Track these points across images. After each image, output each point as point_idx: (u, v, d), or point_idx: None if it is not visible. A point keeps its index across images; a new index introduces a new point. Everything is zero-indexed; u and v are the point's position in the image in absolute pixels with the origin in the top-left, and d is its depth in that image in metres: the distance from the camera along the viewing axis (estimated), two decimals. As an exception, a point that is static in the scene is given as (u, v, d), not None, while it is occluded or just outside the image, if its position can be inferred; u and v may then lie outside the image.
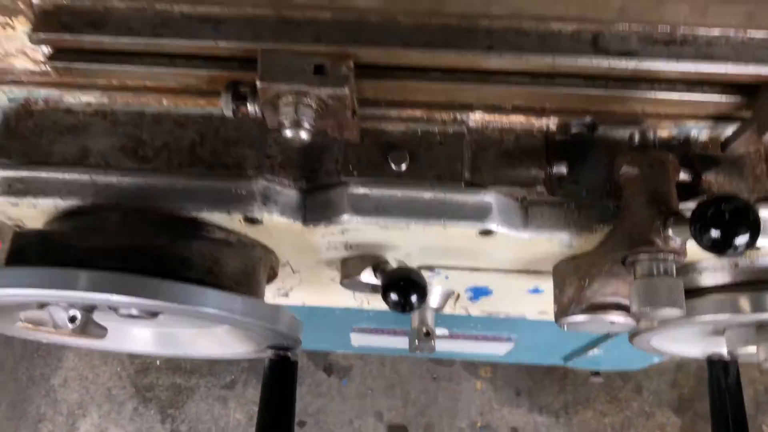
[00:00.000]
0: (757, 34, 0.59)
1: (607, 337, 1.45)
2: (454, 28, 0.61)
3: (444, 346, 1.73)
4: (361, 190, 0.69)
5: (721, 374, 0.89)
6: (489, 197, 0.68)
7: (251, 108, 0.65)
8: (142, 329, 0.86)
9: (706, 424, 2.19)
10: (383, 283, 0.73)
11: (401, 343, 1.71)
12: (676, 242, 0.62)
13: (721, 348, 0.87)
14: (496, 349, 1.74)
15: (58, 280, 0.61)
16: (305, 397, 2.21)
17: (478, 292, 0.92)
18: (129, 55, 0.65)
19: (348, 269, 0.80)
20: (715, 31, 0.59)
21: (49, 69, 0.68)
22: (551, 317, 0.79)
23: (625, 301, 0.71)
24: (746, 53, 0.60)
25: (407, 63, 0.64)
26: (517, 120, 0.71)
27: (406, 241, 0.72)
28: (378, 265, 0.78)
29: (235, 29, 0.61)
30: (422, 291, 0.72)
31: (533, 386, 2.23)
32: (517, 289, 0.88)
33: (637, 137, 0.68)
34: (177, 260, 0.67)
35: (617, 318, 0.71)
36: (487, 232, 0.69)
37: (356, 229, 0.70)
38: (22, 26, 0.65)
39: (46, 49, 0.67)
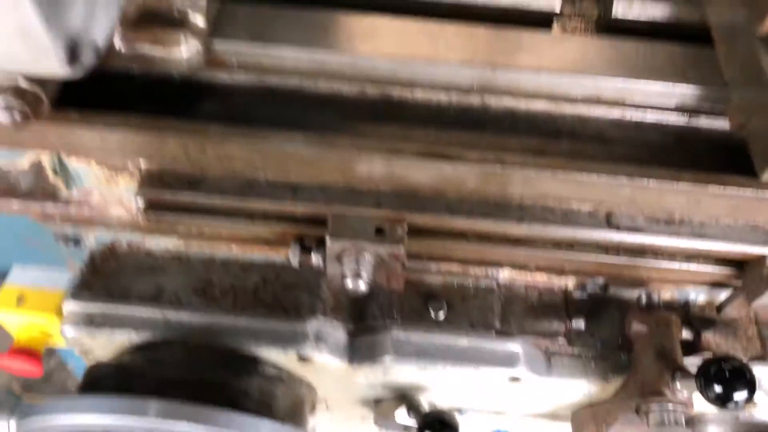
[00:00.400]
0: (740, 221, 0.72)
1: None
2: (491, 202, 0.73)
3: None
4: (403, 335, 0.78)
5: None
6: (517, 346, 0.78)
7: (315, 258, 0.76)
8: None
9: None
10: (419, 423, 0.80)
11: None
12: (683, 394, 0.70)
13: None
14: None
15: (133, 407, 0.68)
16: None
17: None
18: (215, 211, 0.76)
19: (382, 409, 0.87)
20: (707, 217, 0.71)
21: (140, 218, 0.79)
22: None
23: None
24: (733, 234, 0.72)
25: (450, 227, 0.75)
26: (540, 279, 0.82)
27: (440, 383, 0.80)
28: (411, 406, 0.85)
29: (309, 194, 0.73)
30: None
31: None
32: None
33: (644, 299, 0.79)
34: (238, 393, 0.74)
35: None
36: (515, 379, 0.77)
37: (397, 370, 0.78)
38: (125, 182, 0.77)
39: (141, 202, 0.78)
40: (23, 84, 0.59)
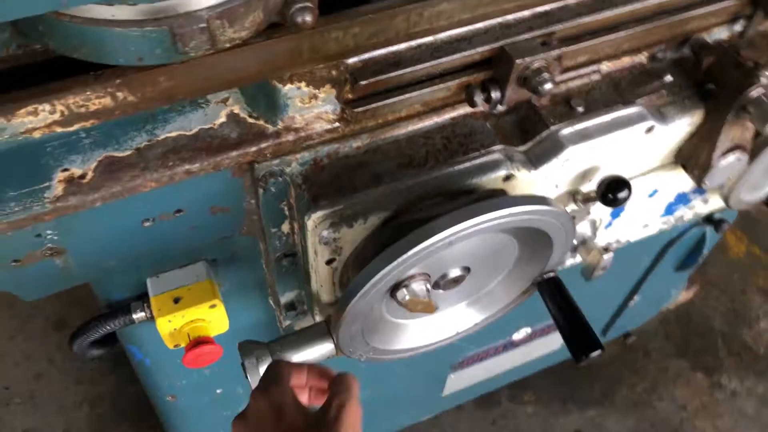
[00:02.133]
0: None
1: (646, 275, 1.80)
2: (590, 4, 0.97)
3: (499, 364, 1.95)
4: (566, 130, 1.00)
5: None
6: (640, 107, 1.03)
7: (494, 95, 0.94)
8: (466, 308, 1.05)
9: (706, 355, 2.59)
10: (600, 190, 1.01)
11: (507, 361, 1.89)
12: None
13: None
14: (552, 343, 2.00)
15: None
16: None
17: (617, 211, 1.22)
18: (407, 86, 0.92)
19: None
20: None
21: (339, 124, 0.92)
22: (651, 230, 1.12)
23: (745, 143, 1.06)
24: (743, -32, 1.03)
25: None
26: (626, 61, 1.07)
27: (602, 159, 1.03)
28: (576, 197, 1.07)
29: (479, 40, 0.91)
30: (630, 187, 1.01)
31: (570, 389, 2.49)
32: (641, 195, 1.21)
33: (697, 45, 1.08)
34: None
35: (743, 155, 1.07)
36: (649, 129, 1.02)
37: (573, 158, 0.99)
38: (325, 94, 0.89)
39: (338, 107, 0.91)
40: (307, -13, 0.71)
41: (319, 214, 0.90)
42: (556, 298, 1.02)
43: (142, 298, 1.16)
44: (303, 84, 0.86)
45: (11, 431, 2.33)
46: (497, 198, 0.86)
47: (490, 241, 0.94)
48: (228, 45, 0.72)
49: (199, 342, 1.14)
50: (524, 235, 0.95)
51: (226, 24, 0.69)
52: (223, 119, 0.90)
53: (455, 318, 1.06)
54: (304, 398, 0.89)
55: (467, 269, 0.96)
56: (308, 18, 0.71)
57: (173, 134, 0.88)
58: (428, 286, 0.90)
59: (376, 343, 0.98)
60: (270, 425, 0.77)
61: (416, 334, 1.04)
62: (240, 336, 1.41)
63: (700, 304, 2.70)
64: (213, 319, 1.17)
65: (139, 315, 1.15)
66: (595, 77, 1.05)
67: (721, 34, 1.12)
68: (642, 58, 1.09)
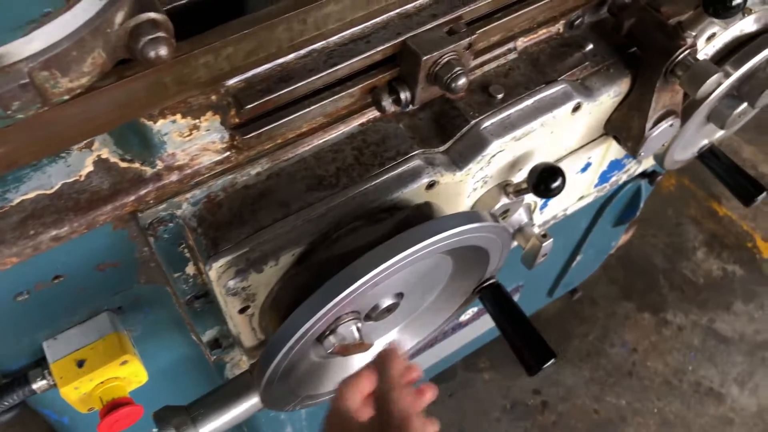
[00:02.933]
0: None
1: (586, 236, 1.76)
2: (501, -24, 0.86)
3: (450, 345, 1.89)
4: (488, 122, 0.90)
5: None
6: (564, 84, 0.93)
7: (403, 96, 0.83)
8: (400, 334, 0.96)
9: (650, 294, 2.61)
10: (532, 182, 0.92)
11: (457, 342, 1.82)
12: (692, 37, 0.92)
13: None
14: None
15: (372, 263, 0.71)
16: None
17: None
18: (302, 100, 0.79)
19: (483, 204, 0.98)
20: None
21: (231, 151, 0.79)
22: (587, 200, 1.04)
23: (676, 107, 0.99)
24: None
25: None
26: (542, 32, 0.97)
27: (529, 146, 0.94)
28: (507, 190, 0.98)
29: (377, 38, 0.79)
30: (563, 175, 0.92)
31: (524, 349, 2.47)
32: (573, 172, 1.13)
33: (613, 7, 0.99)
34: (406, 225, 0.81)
35: (675, 121, 1.00)
36: (576, 108, 0.94)
37: (499, 152, 0.90)
38: (207, 123, 0.76)
39: (226, 134, 0.78)
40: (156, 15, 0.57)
41: (221, 262, 0.78)
42: (499, 305, 0.94)
43: (41, 364, 1.02)
44: (178, 116, 0.73)
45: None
46: (424, 224, 0.75)
47: (422, 265, 0.84)
48: (67, 97, 0.58)
49: (114, 406, 1.01)
50: (458, 252, 0.86)
51: (57, 74, 0.55)
52: (89, 168, 0.76)
53: (394, 342, 0.97)
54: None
55: (400, 295, 0.86)
56: (162, 52, 0.58)
57: (30, 195, 0.73)
58: (359, 325, 0.80)
59: (309, 390, 0.87)
60: None
61: (352, 367, 0.94)
62: (166, 377, 1.29)
63: (638, 244, 2.71)
64: (127, 374, 1.04)
65: (40, 384, 1.01)
66: (512, 56, 0.95)
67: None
68: (559, 27, 0.99)
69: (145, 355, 1.14)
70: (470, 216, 0.77)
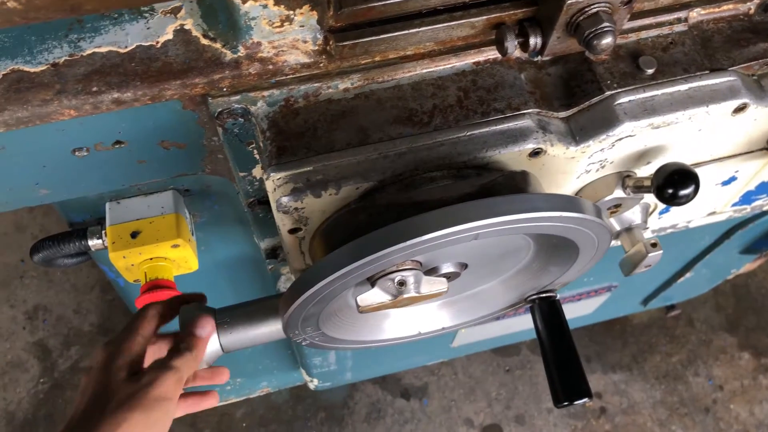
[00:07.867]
0: None
1: (703, 255, 1.56)
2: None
3: (520, 323, 1.77)
4: (625, 98, 0.75)
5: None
6: (733, 76, 0.76)
7: (533, 41, 0.70)
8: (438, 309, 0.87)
9: (759, 334, 2.35)
10: (657, 182, 0.78)
11: (526, 322, 1.72)
12: None
13: None
14: (587, 308, 1.80)
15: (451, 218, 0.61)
16: (392, 427, 2.18)
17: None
18: (412, 19, 0.68)
19: (594, 190, 0.85)
20: None
21: (321, 57, 0.70)
22: (719, 218, 0.86)
23: None
24: None
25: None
26: (726, 7, 0.79)
27: (667, 139, 0.78)
28: (626, 182, 0.83)
29: (521, -35, 0.66)
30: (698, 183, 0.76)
31: (599, 349, 2.31)
32: (713, 183, 0.96)
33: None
34: (493, 191, 0.69)
35: None
36: (740, 109, 0.76)
37: (629, 136, 0.75)
38: (302, 17, 0.67)
39: (320, 36, 0.69)
40: None
41: (280, 174, 0.70)
42: (550, 324, 0.81)
43: (101, 223, 1.01)
44: (271, 1, 0.64)
45: (23, 304, 2.33)
46: (517, 194, 0.64)
47: (499, 242, 0.73)
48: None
49: (154, 286, 0.99)
50: (546, 241, 0.74)
51: None
52: (169, 36, 0.69)
53: (421, 317, 0.87)
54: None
55: (464, 266, 0.76)
56: None
57: (103, 49, 0.68)
58: (419, 278, 0.71)
59: (327, 330, 0.80)
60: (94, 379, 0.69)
61: (374, 327, 0.85)
62: (219, 272, 1.27)
63: (763, 278, 2.42)
64: (177, 257, 1.01)
65: (95, 242, 1.01)
66: (679, 28, 0.78)
67: None
68: (750, 6, 0.80)
69: (205, 244, 1.12)
70: (569, 202, 0.64)
